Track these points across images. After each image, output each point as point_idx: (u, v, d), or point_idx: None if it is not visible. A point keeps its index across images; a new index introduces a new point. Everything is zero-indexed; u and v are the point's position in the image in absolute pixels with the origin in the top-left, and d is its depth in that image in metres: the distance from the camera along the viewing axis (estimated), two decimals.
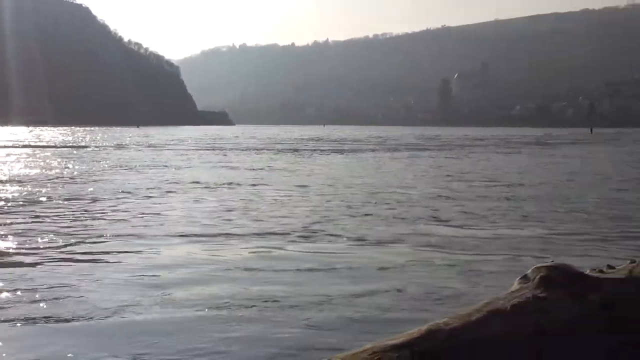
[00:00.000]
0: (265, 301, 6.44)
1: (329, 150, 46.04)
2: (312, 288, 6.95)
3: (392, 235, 10.47)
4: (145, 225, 11.32)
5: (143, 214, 12.77)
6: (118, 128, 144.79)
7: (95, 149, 46.06)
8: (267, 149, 45.48)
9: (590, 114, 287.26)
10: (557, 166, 29.64)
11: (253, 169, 26.00)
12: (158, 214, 12.81)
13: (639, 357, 2.64)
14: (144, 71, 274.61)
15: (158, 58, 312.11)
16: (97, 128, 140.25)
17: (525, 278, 2.78)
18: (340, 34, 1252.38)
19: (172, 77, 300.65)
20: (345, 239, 9.98)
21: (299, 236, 10.21)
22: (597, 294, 2.68)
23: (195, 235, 10.34)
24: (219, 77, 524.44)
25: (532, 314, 2.63)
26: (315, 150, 45.51)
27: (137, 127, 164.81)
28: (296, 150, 45.56)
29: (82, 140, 66.11)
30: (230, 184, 19.24)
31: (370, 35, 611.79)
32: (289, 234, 10.41)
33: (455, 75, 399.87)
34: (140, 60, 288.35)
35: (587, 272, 2.81)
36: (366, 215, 12.65)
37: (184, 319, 5.89)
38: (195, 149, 45.48)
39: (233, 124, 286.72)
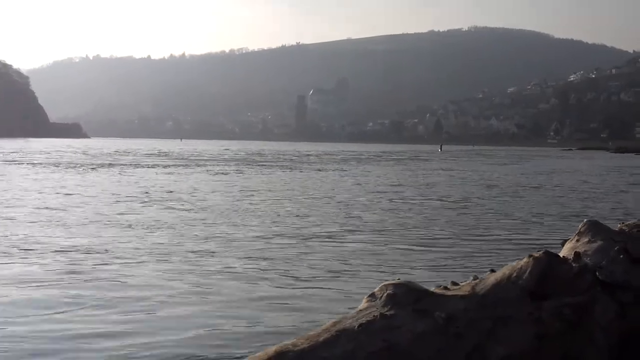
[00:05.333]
0: None
1: (164, 165, 44.97)
2: None
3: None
4: None
5: None
6: None
7: None
8: (85, 165, 43.12)
9: (436, 131, 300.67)
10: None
11: None
12: None
13: None
14: None
15: (5, 67, 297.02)
16: None
17: (372, 296, 2.78)
18: (197, 47, 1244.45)
19: (21, 87, 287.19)
20: None
21: None
22: (441, 310, 2.72)
23: None
24: (73, 88, 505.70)
25: (379, 332, 2.63)
26: (150, 166, 44.13)
27: None
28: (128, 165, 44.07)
29: None
30: None
31: (227, 50, 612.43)
32: None
33: (311, 92, 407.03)
34: None
35: (433, 289, 2.85)
36: None
37: None
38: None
39: (88, 137, 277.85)
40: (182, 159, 58.54)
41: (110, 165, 42.95)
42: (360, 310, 2.73)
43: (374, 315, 2.67)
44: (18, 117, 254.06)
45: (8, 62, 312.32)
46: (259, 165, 48.30)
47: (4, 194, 19.83)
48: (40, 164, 42.69)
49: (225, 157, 66.56)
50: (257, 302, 7.26)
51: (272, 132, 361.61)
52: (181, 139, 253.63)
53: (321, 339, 2.58)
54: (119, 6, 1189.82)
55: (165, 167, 41.91)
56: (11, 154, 59.00)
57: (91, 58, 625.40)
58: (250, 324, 6.40)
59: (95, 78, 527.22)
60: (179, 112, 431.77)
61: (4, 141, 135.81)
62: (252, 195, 21.16)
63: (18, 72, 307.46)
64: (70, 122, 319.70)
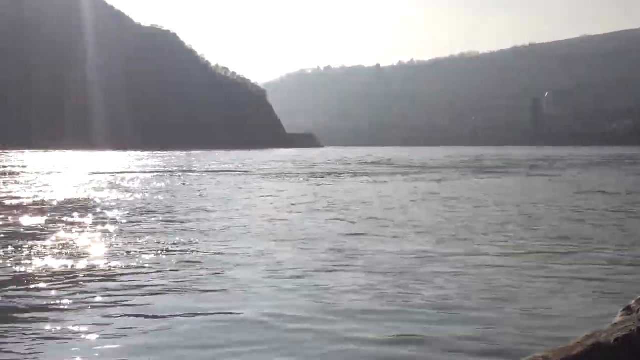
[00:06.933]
0: None
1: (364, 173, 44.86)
2: None
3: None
4: None
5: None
6: (206, 152, 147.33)
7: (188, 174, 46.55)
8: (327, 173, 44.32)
9: None
10: None
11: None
12: None
13: None
14: (231, 95, 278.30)
15: (244, 82, 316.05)
16: (193, 152, 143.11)
17: (628, 309, 2.65)
18: (425, 53, 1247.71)
19: (259, 100, 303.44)
20: None
21: None
22: None
23: None
24: (305, 99, 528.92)
25: (637, 346, 2.51)
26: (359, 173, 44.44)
27: (226, 150, 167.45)
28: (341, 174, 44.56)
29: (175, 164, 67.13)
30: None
31: (456, 54, 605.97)
32: None
33: (546, 94, 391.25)
34: (227, 84, 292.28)
35: None
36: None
37: None
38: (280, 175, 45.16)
39: (321, 146, 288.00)
40: (404, 166, 59.25)
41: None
42: (616, 324, 2.61)
43: (630, 330, 2.54)
44: (258, 129, 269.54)
45: (247, 76, 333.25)
46: (482, 172, 47.18)
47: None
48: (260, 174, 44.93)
49: (445, 163, 66.42)
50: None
51: (503, 137, 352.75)
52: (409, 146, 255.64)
53: (574, 352, 2.51)
54: (348, 17, 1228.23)
55: (377, 175, 42.33)
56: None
57: (322, 69, 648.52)
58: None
59: (327, 88, 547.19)
60: (408, 119, 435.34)
61: (250, 153, 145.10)
62: (451, 205, 20.42)
63: (255, 86, 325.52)
64: (304, 132, 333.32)
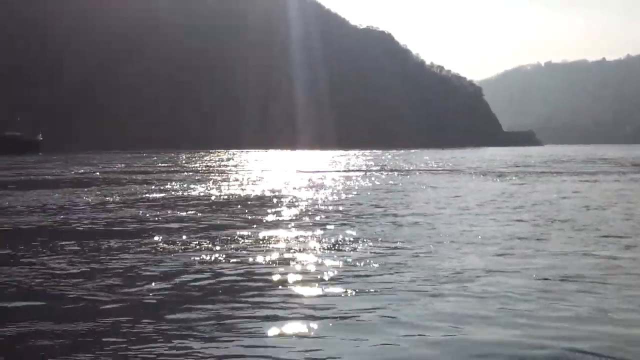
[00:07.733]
0: None
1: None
2: None
3: None
4: None
5: None
6: (417, 150, 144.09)
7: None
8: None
9: None
10: None
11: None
12: None
13: None
14: (447, 93, 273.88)
15: (460, 79, 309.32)
16: (401, 151, 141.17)
17: None
18: None
19: (475, 97, 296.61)
20: None
21: None
22: None
23: None
24: (525, 96, 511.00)
25: None
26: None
27: (438, 149, 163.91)
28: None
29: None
30: None
31: None
32: None
33: None
34: (442, 82, 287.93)
35: None
36: None
37: None
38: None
39: (541, 144, 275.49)
40: (626, 165, 55.71)
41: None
42: None
43: None
44: (474, 127, 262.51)
45: (462, 74, 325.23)
46: None
47: None
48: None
49: None
50: None
51: None
52: None
53: None
54: (569, 12, 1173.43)
55: (591, 174, 39.35)
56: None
57: (543, 64, 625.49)
58: None
59: (548, 84, 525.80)
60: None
61: (463, 151, 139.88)
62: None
63: (471, 84, 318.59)
64: (523, 130, 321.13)
